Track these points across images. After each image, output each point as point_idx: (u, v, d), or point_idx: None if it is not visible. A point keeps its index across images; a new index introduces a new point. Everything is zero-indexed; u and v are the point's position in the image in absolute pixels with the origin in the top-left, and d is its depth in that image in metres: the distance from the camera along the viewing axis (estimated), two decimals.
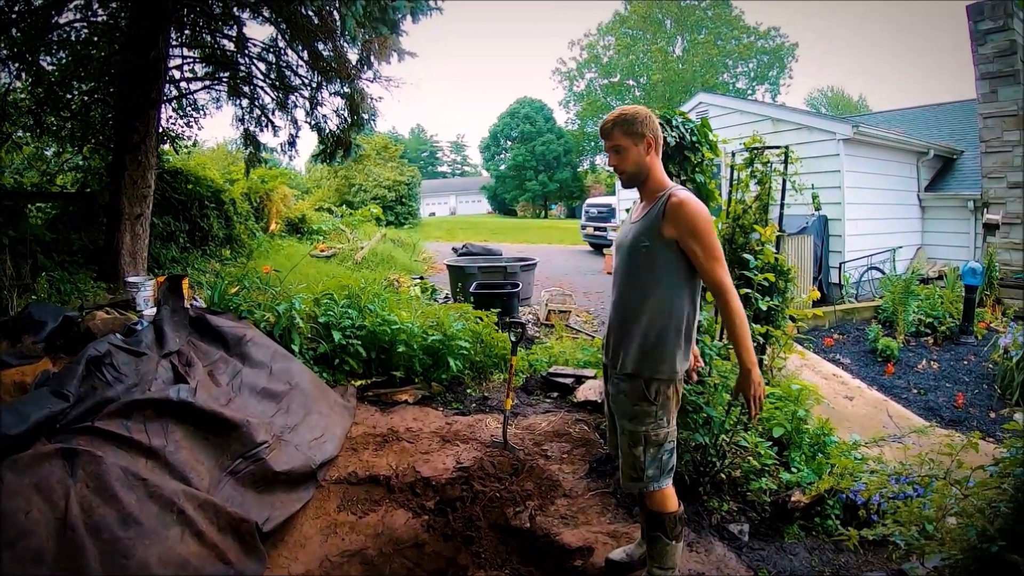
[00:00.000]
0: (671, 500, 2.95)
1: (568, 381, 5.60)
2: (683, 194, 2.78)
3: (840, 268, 11.41)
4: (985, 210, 11.68)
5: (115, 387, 3.69)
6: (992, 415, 6.41)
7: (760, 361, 4.64)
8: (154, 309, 4.84)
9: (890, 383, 7.66)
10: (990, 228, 11.37)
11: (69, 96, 8.27)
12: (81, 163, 9.27)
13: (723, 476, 3.87)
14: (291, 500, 3.87)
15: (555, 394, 5.57)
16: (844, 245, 11.49)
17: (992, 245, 11.35)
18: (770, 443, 4.15)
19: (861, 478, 3.74)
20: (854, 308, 10.40)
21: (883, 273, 11.47)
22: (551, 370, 5.88)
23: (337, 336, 5.53)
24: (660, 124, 4.59)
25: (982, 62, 11.67)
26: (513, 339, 4.72)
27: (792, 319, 5.05)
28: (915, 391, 7.43)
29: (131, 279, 5.30)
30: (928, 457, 2.90)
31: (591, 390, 5.30)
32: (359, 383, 5.46)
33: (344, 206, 26.64)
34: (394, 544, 3.88)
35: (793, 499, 3.77)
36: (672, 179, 3.18)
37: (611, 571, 3.26)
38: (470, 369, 5.86)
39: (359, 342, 5.58)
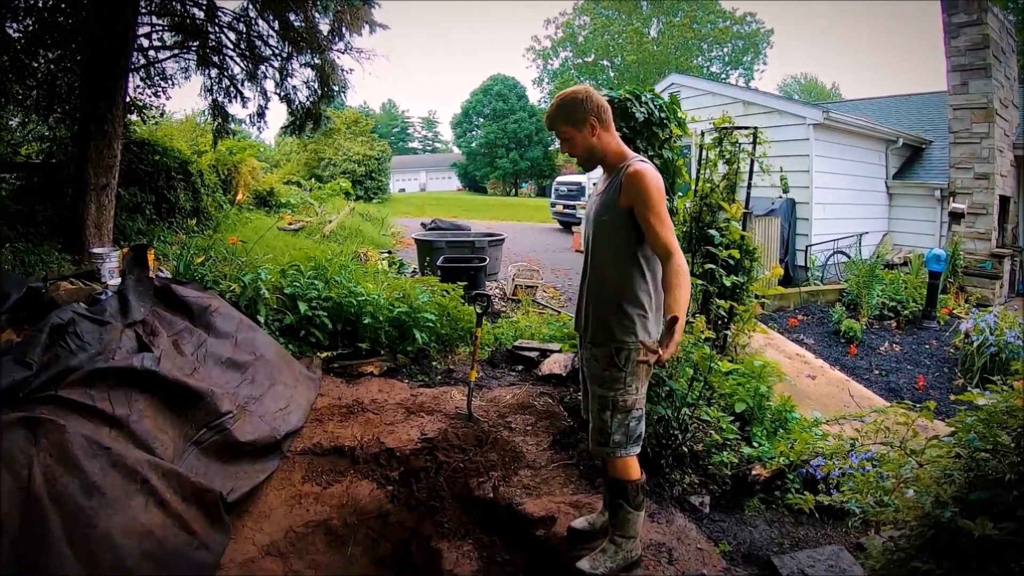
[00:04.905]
0: (633, 469, 2.99)
1: (533, 355, 5.62)
2: (639, 165, 2.80)
3: (806, 251, 11.56)
4: (951, 199, 11.88)
5: (78, 356, 3.63)
6: (952, 398, 6.53)
7: (724, 336, 4.69)
8: (119, 279, 4.77)
9: (852, 364, 7.83)
10: (956, 217, 11.57)
11: (35, 64, 8.02)
12: (47, 133, 9.03)
13: (685, 449, 3.90)
14: (256, 471, 3.87)
15: (520, 367, 5.59)
16: (811, 228, 11.64)
17: (957, 234, 11.57)
18: (732, 418, 4.21)
19: (821, 451, 3.80)
20: (819, 290, 10.55)
21: (849, 257, 11.62)
22: (516, 344, 5.91)
23: (303, 307, 5.48)
24: (629, 99, 4.64)
25: (954, 54, 11.82)
26: (479, 311, 4.73)
27: (757, 296, 5.09)
28: (877, 372, 7.58)
29: (96, 250, 5.20)
30: (884, 426, 2.95)
31: (556, 364, 5.32)
32: (325, 355, 5.42)
33: (313, 180, 26.35)
34: (358, 515, 3.90)
35: (754, 473, 3.83)
36: (639, 153, 3.19)
37: (573, 539, 3.29)
38: (436, 342, 5.85)
39: (325, 313, 5.54)
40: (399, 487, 3.95)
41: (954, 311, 9.76)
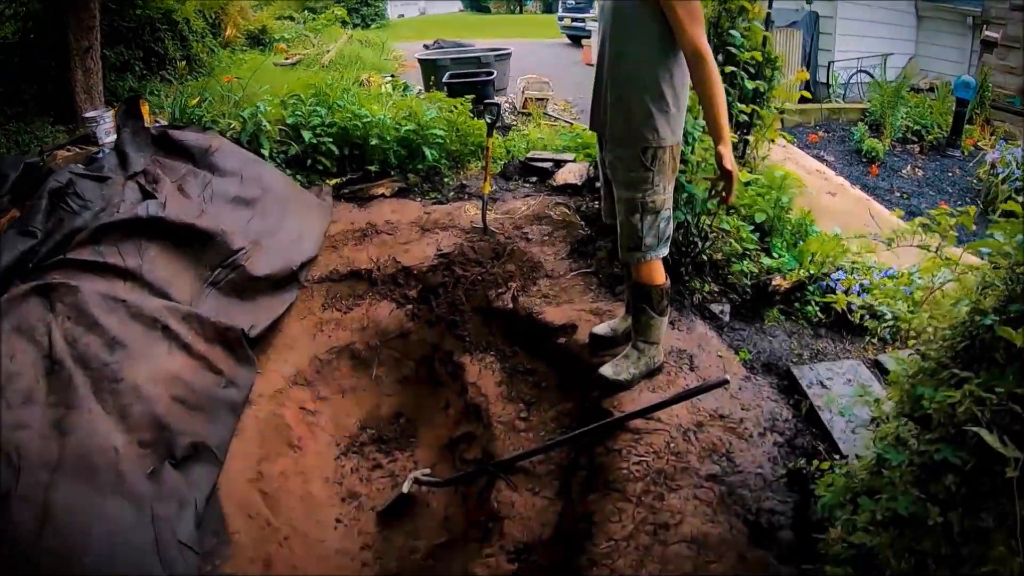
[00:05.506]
0: (659, 273, 2.93)
1: (547, 165, 5.47)
2: None
3: (829, 67, 11.10)
4: (984, 27, 11.15)
5: (82, 215, 3.68)
6: (973, 227, 6.44)
7: (744, 143, 4.54)
8: (115, 136, 4.73)
9: (873, 184, 7.66)
10: (988, 45, 10.87)
11: None
12: (20, 11, 8.50)
13: (704, 258, 3.85)
14: (275, 304, 3.94)
15: (534, 179, 5.47)
16: (834, 44, 11.11)
17: (987, 64, 10.91)
18: (752, 228, 4.10)
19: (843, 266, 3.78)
20: (841, 108, 10.22)
21: (872, 77, 11.15)
22: (529, 155, 5.75)
23: (307, 136, 5.31)
24: None
25: None
26: (489, 121, 4.58)
27: (778, 108, 4.87)
28: (898, 194, 7.45)
29: (89, 114, 5.14)
30: (920, 226, 2.83)
31: (571, 173, 5.19)
32: (334, 182, 5.31)
33: (306, 12, 25.07)
34: (380, 336, 4.00)
35: (774, 283, 3.78)
36: None
37: (594, 344, 3.29)
38: (447, 158, 5.68)
39: (330, 140, 5.37)
40: (418, 305, 4.01)
41: (979, 143, 9.44)
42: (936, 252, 2.70)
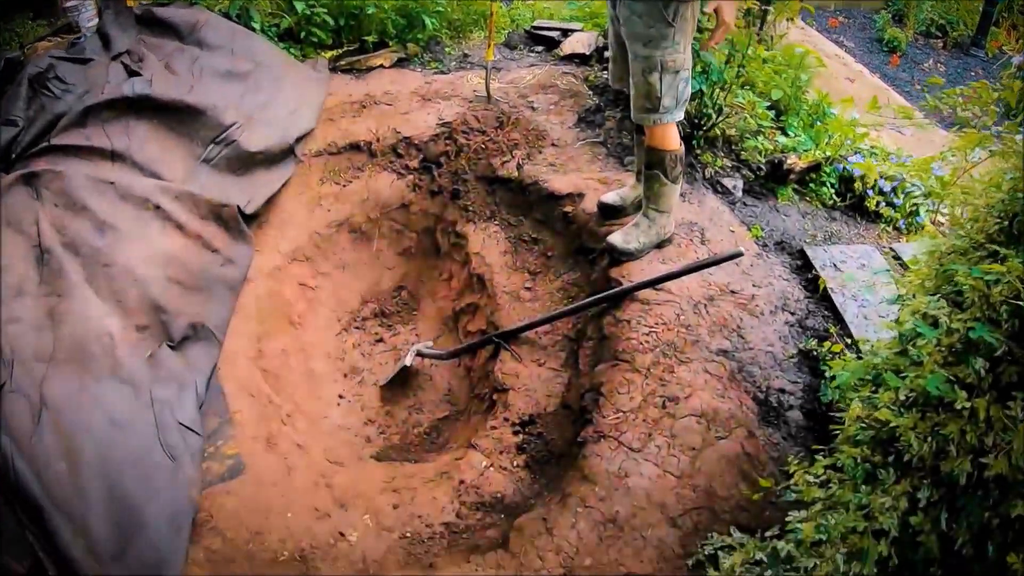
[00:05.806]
0: (673, 137, 2.81)
1: (554, 34, 5.26)
2: None
3: None
4: None
5: (65, 99, 3.51)
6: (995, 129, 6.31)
7: (764, 13, 4.33)
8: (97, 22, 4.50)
9: (893, 74, 7.44)
10: None
11: None
12: None
13: (718, 132, 3.71)
14: (271, 179, 3.80)
15: (540, 48, 5.27)
16: None
17: None
18: (767, 106, 3.95)
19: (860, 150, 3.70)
20: None
21: None
22: (535, 24, 5.54)
23: (300, 7, 5.02)
24: None
25: None
26: None
27: None
28: (918, 87, 7.18)
29: (69, 3, 4.81)
30: (959, 95, 2.69)
31: (579, 43, 5.00)
32: (330, 54, 5.08)
33: None
34: (381, 208, 3.91)
35: (789, 162, 3.65)
36: None
37: (603, 213, 3.20)
38: (448, 28, 5.49)
39: (325, 10, 5.10)
40: (420, 175, 3.90)
41: (1004, 48, 9.09)
42: (975, 126, 2.59)
